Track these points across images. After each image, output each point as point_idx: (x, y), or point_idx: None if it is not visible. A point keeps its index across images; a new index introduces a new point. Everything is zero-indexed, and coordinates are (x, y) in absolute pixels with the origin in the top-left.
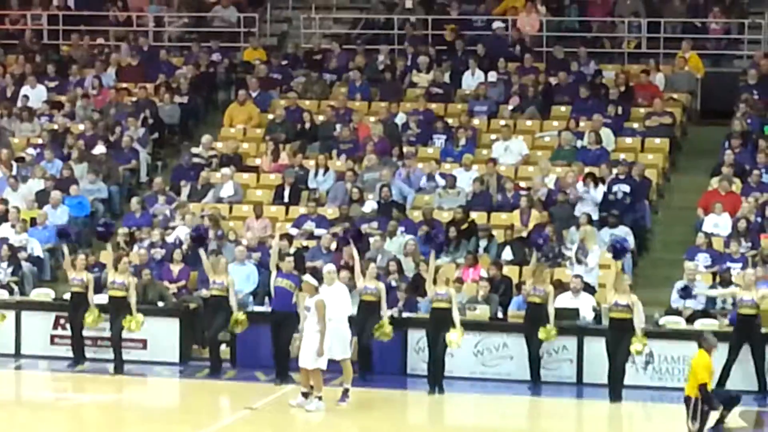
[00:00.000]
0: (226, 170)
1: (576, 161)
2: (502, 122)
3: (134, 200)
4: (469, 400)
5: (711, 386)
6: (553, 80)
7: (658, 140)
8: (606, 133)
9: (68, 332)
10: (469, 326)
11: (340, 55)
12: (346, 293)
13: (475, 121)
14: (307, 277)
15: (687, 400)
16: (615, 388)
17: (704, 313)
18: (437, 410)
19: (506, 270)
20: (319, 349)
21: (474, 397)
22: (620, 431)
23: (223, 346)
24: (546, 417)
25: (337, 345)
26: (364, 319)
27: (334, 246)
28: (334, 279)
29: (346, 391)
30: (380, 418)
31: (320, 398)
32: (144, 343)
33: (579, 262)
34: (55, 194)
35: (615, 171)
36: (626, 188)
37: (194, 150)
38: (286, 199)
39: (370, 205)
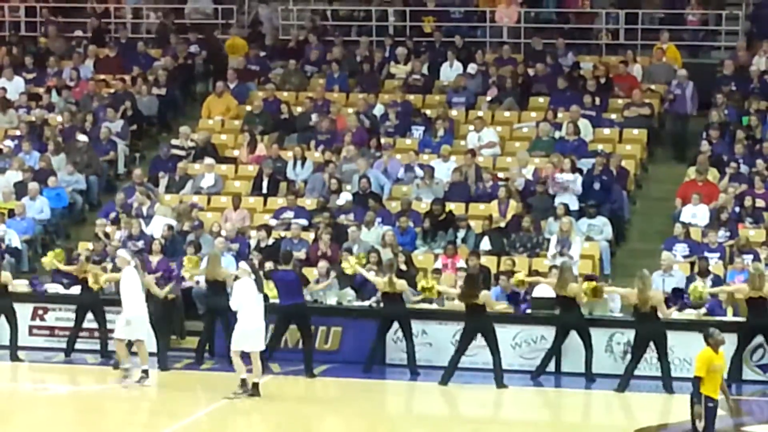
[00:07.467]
0: (208, 160)
1: (554, 152)
2: (480, 113)
3: (119, 195)
4: (450, 390)
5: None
6: (531, 71)
7: (636, 131)
8: (584, 124)
9: (46, 323)
10: (447, 316)
11: (318, 46)
12: (254, 288)
13: (453, 113)
14: (121, 252)
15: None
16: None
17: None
18: (414, 399)
19: (484, 260)
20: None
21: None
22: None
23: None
24: (525, 406)
25: (242, 337)
26: None
27: (311, 237)
28: (245, 273)
29: (255, 385)
30: (361, 408)
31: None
32: None
33: (561, 254)
34: (33, 185)
35: (592, 163)
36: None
37: (173, 142)
38: (264, 191)
39: (344, 197)
